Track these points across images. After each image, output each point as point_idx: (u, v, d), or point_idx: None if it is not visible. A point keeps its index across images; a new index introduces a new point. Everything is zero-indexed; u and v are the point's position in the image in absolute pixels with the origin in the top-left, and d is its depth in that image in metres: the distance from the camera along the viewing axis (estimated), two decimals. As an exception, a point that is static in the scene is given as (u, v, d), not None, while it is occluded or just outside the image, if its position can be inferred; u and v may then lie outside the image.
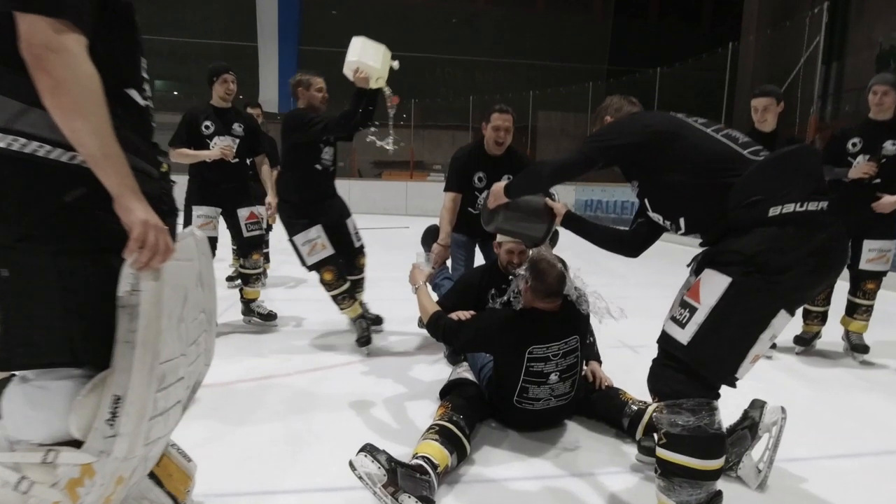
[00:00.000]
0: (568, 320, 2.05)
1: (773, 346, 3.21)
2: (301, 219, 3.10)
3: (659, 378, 1.52)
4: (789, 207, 1.37)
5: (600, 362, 2.43)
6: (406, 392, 2.59)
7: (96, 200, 0.95)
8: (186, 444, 1.97)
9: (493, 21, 19.03)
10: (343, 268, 3.21)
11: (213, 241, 3.40)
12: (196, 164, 3.32)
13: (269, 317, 3.64)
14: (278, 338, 3.43)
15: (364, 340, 3.08)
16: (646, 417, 2.07)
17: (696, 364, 1.43)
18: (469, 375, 2.30)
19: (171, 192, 1.15)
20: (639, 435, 2.07)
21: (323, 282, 3.16)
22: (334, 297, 3.17)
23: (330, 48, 17.45)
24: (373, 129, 2.89)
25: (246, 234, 3.50)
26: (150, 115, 1.17)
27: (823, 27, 7.84)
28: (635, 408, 2.13)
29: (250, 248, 3.55)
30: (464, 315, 2.23)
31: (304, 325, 3.72)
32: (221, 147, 3.28)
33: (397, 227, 10.51)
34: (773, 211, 1.38)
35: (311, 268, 3.16)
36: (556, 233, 2.99)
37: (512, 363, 2.01)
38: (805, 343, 3.29)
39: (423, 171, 15.75)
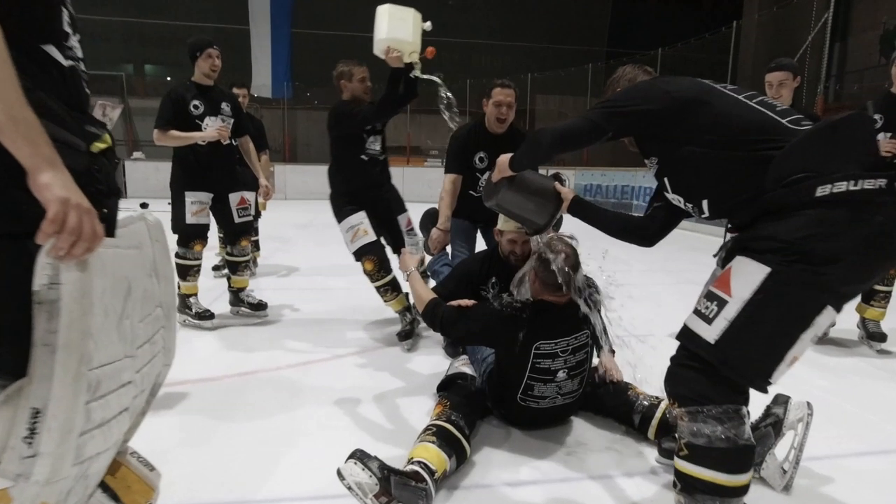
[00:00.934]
0: (578, 314, 1.88)
1: None
2: (346, 206, 3.05)
3: (679, 380, 1.34)
4: (841, 186, 1.17)
5: (613, 352, 2.27)
6: (401, 387, 2.44)
7: (11, 177, 0.78)
8: (161, 448, 1.83)
9: (490, 3, 18.63)
10: (387, 260, 3.06)
11: (205, 229, 3.26)
12: (184, 147, 3.12)
13: (260, 307, 3.48)
14: (268, 330, 3.27)
15: (404, 335, 2.96)
16: (658, 414, 1.93)
17: (723, 365, 1.24)
18: (468, 370, 2.14)
19: (110, 171, 0.97)
20: (651, 433, 1.93)
21: (364, 272, 3.05)
22: (377, 289, 3.06)
23: (324, 31, 17.19)
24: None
25: (237, 219, 3.35)
26: (79, 78, 0.99)
27: (833, 4, 7.60)
28: (647, 403, 1.98)
29: (240, 234, 3.41)
30: (464, 303, 2.06)
31: (295, 316, 3.56)
32: (218, 128, 3.10)
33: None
34: (822, 190, 1.18)
35: (355, 256, 3.06)
36: (560, 217, 2.82)
37: (516, 359, 1.85)
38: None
39: (419, 157, 15.50)
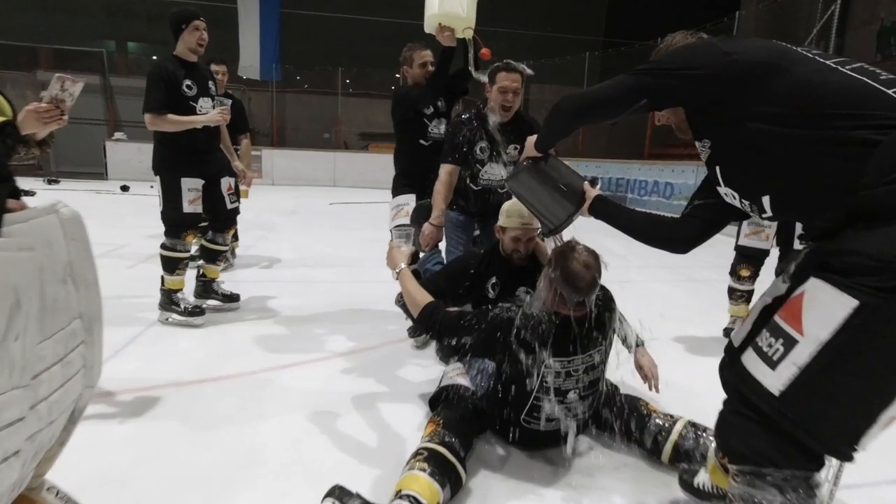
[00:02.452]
0: (597, 328, 1.67)
1: None
2: (403, 186, 3.00)
3: (732, 431, 1.08)
4: None
5: (642, 343, 2.05)
6: (389, 396, 2.22)
7: None
8: (101, 468, 1.60)
9: (486, -12, 18.20)
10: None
11: (200, 218, 3.02)
12: (165, 133, 2.83)
13: (233, 298, 3.29)
14: (245, 328, 3.02)
15: (415, 331, 2.79)
16: (673, 437, 1.74)
17: (792, 424, 0.98)
18: (464, 381, 1.92)
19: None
20: (665, 457, 1.73)
21: None
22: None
23: (315, 11, 16.69)
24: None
25: (229, 205, 3.18)
26: None
27: (839, -3, 7.41)
28: (660, 423, 1.78)
29: (231, 221, 3.27)
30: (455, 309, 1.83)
31: (276, 313, 3.31)
32: (220, 111, 2.88)
33: (384, 202, 10.05)
34: None
35: (391, 234, 2.92)
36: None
37: (523, 376, 1.63)
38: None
39: (411, 144, 15.16)
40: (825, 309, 0.95)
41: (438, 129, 2.95)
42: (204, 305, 3.11)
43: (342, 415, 2.03)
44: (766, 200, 1.13)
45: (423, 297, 1.80)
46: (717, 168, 1.23)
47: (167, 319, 2.95)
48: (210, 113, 2.88)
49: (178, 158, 2.88)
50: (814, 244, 1.09)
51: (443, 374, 2.04)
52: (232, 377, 2.34)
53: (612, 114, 1.29)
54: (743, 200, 1.21)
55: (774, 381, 0.99)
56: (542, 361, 1.59)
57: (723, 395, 2.36)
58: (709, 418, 2.13)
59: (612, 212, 1.51)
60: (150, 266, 4.13)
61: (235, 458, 1.72)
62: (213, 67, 3.83)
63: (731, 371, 1.11)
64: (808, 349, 0.95)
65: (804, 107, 1.02)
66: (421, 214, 2.76)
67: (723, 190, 1.25)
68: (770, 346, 1.02)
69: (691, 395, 2.34)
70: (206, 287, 3.28)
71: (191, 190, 2.90)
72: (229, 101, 3.03)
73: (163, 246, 2.94)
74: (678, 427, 1.75)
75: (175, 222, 2.90)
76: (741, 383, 1.06)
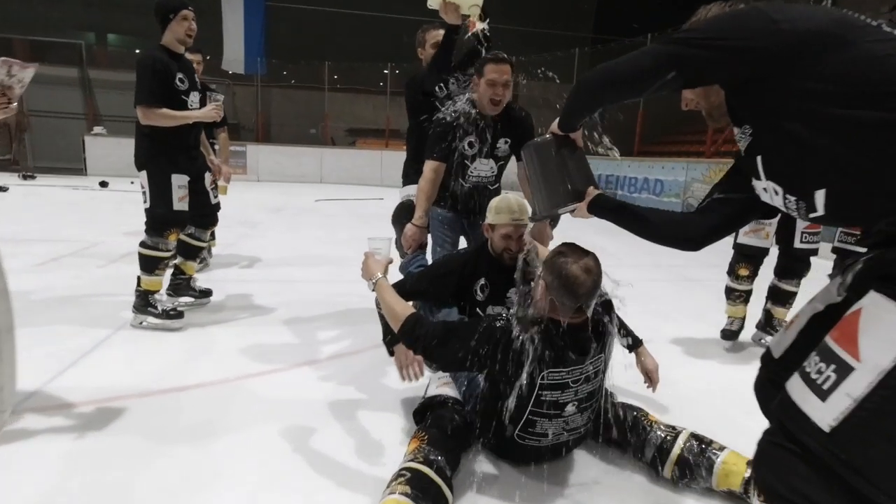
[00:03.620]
0: (595, 336, 1.54)
1: (772, 332, 2.80)
2: (416, 174, 2.77)
3: (773, 466, 0.92)
4: None
5: (641, 341, 1.98)
6: (370, 405, 2.07)
7: None
8: (48, 490, 1.44)
9: (474, -17, 18.01)
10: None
11: (187, 216, 2.89)
12: (154, 127, 2.69)
13: (205, 294, 3.22)
14: (219, 332, 2.85)
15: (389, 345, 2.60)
16: (675, 450, 1.62)
17: (844, 467, 0.82)
18: (451, 391, 1.79)
19: None
20: (667, 471, 1.62)
21: None
22: None
23: (301, 5, 16.40)
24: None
25: (214, 199, 3.11)
26: None
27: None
28: (662, 435, 1.66)
29: (215, 216, 3.16)
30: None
31: (254, 315, 3.15)
32: (215, 106, 2.81)
33: (371, 199, 9.88)
34: None
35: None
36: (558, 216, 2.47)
37: (517, 389, 1.49)
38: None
39: (399, 140, 14.99)
40: (887, 330, 0.80)
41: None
42: (178, 304, 2.95)
43: (318, 429, 1.88)
44: (819, 196, 0.96)
45: (403, 309, 1.61)
46: (759, 158, 1.05)
47: (141, 323, 2.78)
48: (205, 108, 2.79)
49: (167, 154, 2.75)
50: (876, 251, 0.93)
51: (428, 383, 1.90)
52: (201, 386, 2.18)
53: (638, 90, 1.12)
54: (788, 196, 1.03)
55: (824, 414, 0.84)
56: (538, 373, 1.45)
57: (723, 400, 2.25)
58: (709, 425, 2.02)
59: (615, 209, 1.36)
60: (123, 265, 3.95)
61: (198, 478, 1.56)
62: (188, 56, 3.66)
63: (771, 394, 0.97)
64: (866, 378, 0.80)
65: (870, 85, 0.87)
66: (403, 214, 2.60)
67: (762, 184, 1.08)
68: (820, 372, 0.86)
69: (689, 400, 2.23)
70: (185, 284, 3.14)
71: (180, 187, 2.78)
72: (222, 97, 2.91)
73: (143, 244, 2.77)
74: (681, 440, 1.63)
75: (163, 220, 2.75)
76: (785, 414, 0.90)
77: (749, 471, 1.52)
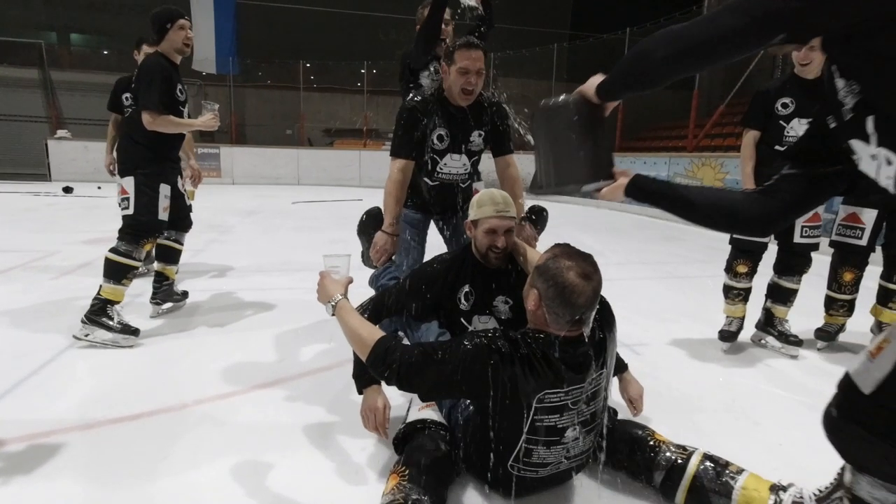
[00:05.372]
0: (596, 349, 1.35)
1: (799, 343, 2.65)
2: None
3: (851, 443, 0.82)
4: None
5: (626, 365, 1.83)
6: (345, 431, 1.84)
7: None
8: None
9: (450, -21, 17.82)
10: None
11: (164, 227, 2.85)
12: (162, 134, 2.69)
13: (185, 295, 3.19)
14: (180, 349, 2.60)
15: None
16: (688, 474, 1.44)
17: None
18: (434, 413, 1.59)
19: None
20: (680, 498, 1.44)
21: None
22: None
23: (271, 2, 16.00)
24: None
25: (189, 202, 3.13)
26: None
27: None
28: (671, 457, 1.48)
29: (190, 218, 3.16)
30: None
31: (220, 328, 2.91)
32: (214, 115, 2.81)
33: (350, 200, 9.62)
34: None
35: None
36: (545, 214, 2.28)
37: (509, 417, 1.30)
38: (829, 337, 2.75)
39: (377, 140, 14.74)
40: None
41: None
42: (161, 311, 3.01)
43: (285, 461, 1.65)
44: None
45: (370, 334, 1.37)
46: (870, 120, 0.87)
47: (87, 335, 2.52)
48: (203, 117, 2.79)
49: (158, 163, 2.76)
50: None
51: (409, 406, 1.70)
52: (156, 413, 1.94)
53: (730, 55, 0.91)
54: None
55: None
56: (534, 395, 1.26)
57: (726, 409, 2.07)
58: (712, 437, 1.87)
59: (660, 192, 1.15)
60: (78, 278, 3.65)
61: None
62: (147, 50, 3.53)
63: (856, 436, 0.80)
64: None
65: None
66: (370, 223, 2.37)
67: (870, 150, 0.88)
68: None
69: (691, 409, 2.08)
70: (167, 290, 3.05)
71: (166, 197, 2.77)
72: (217, 105, 2.86)
73: (115, 251, 2.61)
74: (693, 462, 1.45)
75: (145, 228, 2.69)
76: (886, 463, 0.74)
77: (772, 498, 1.35)
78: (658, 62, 0.99)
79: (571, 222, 6.35)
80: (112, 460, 1.64)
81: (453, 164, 2.28)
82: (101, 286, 2.58)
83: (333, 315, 1.46)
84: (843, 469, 1.33)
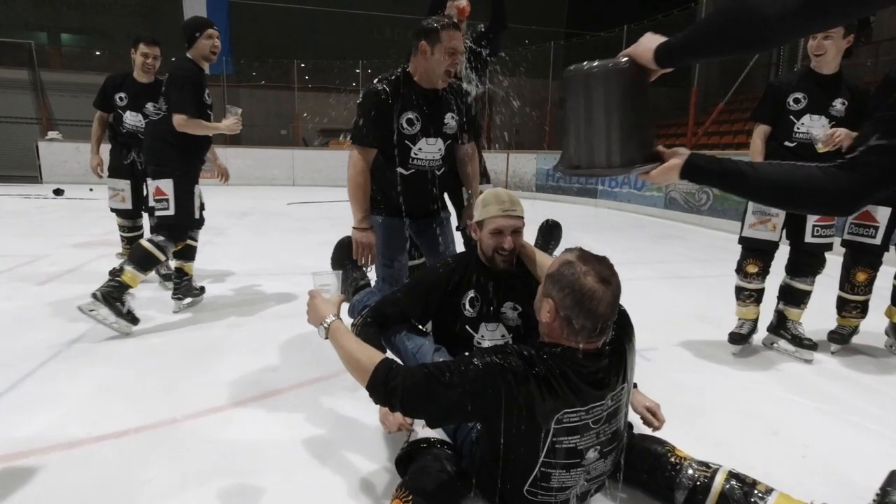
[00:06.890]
0: (616, 361, 1.25)
1: (814, 347, 2.56)
2: None
3: None
4: None
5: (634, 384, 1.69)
6: (344, 448, 1.74)
7: None
8: None
9: (444, -22, 17.71)
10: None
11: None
12: (194, 137, 2.83)
13: (202, 290, 3.30)
14: (162, 361, 2.49)
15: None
16: (713, 494, 1.34)
17: None
18: (439, 433, 1.48)
19: None
20: (705, 520, 1.33)
21: None
22: None
23: (265, 1, 15.84)
24: None
25: (201, 200, 3.22)
26: None
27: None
28: (694, 475, 1.38)
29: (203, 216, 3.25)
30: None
31: (208, 339, 2.79)
32: (237, 119, 2.90)
33: (346, 201, 9.48)
34: None
35: None
36: (559, 229, 2.18)
37: (524, 439, 1.19)
38: (843, 340, 2.66)
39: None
40: None
41: None
42: (182, 306, 3.09)
43: (277, 482, 1.55)
44: None
45: (369, 357, 1.24)
46: None
47: (91, 311, 2.57)
48: (227, 121, 2.86)
49: (193, 165, 2.91)
50: None
51: (412, 422, 1.59)
52: (143, 429, 1.82)
53: (871, 8, 0.78)
54: None
55: None
56: (549, 416, 1.15)
57: (743, 416, 1.97)
58: (729, 448, 1.78)
59: (723, 169, 1.01)
60: (67, 283, 3.53)
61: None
62: (143, 49, 3.47)
63: None
64: None
65: None
66: (344, 253, 2.25)
67: None
68: None
69: (705, 417, 1.98)
70: (186, 286, 3.15)
71: (199, 197, 2.97)
72: (240, 110, 2.93)
73: (152, 241, 2.77)
74: (718, 481, 1.35)
75: (185, 227, 2.90)
76: None
77: (805, 520, 1.26)
78: (775, 18, 0.82)
79: (570, 222, 6.29)
80: (93, 485, 1.52)
81: (429, 149, 2.10)
82: (122, 268, 2.67)
83: (327, 338, 1.34)
84: (882, 490, 1.24)
